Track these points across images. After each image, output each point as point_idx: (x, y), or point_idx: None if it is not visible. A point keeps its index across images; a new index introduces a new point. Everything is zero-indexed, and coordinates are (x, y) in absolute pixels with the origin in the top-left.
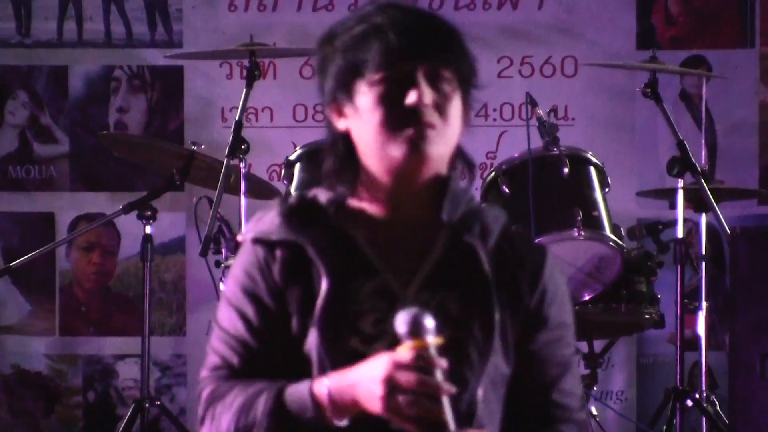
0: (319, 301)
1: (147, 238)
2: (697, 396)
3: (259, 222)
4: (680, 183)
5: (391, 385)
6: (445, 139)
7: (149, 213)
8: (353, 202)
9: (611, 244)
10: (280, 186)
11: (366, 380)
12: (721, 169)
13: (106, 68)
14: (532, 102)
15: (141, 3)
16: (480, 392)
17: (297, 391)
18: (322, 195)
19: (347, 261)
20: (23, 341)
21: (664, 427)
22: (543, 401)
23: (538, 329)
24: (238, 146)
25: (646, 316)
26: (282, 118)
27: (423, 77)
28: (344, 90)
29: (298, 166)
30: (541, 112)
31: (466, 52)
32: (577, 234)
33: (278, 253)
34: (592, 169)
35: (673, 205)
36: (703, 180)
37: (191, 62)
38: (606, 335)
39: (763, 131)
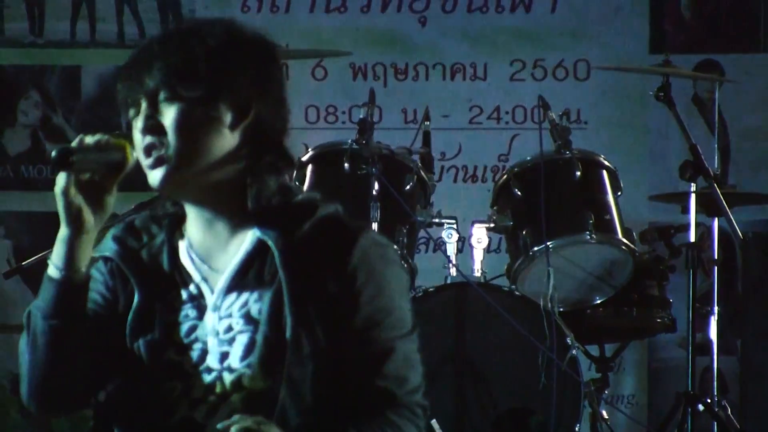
0: (129, 316)
1: None
2: (709, 400)
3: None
4: (693, 187)
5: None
6: (177, 159)
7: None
8: (185, 214)
9: (623, 247)
10: None
11: None
12: (734, 174)
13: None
14: (544, 105)
15: (154, 4)
16: (282, 388)
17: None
18: (163, 208)
19: (167, 273)
20: None
21: None
22: (367, 387)
23: (351, 314)
24: None
25: (658, 320)
26: (294, 120)
27: (140, 106)
28: None
29: (309, 167)
30: (553, 115)
31: (189, 63)
32: (588, 237)
33: (109, 266)
34: (605, 173)
35: (685, 210)
36: (715, 184)
37: None
38: (617, 339)
39: None
